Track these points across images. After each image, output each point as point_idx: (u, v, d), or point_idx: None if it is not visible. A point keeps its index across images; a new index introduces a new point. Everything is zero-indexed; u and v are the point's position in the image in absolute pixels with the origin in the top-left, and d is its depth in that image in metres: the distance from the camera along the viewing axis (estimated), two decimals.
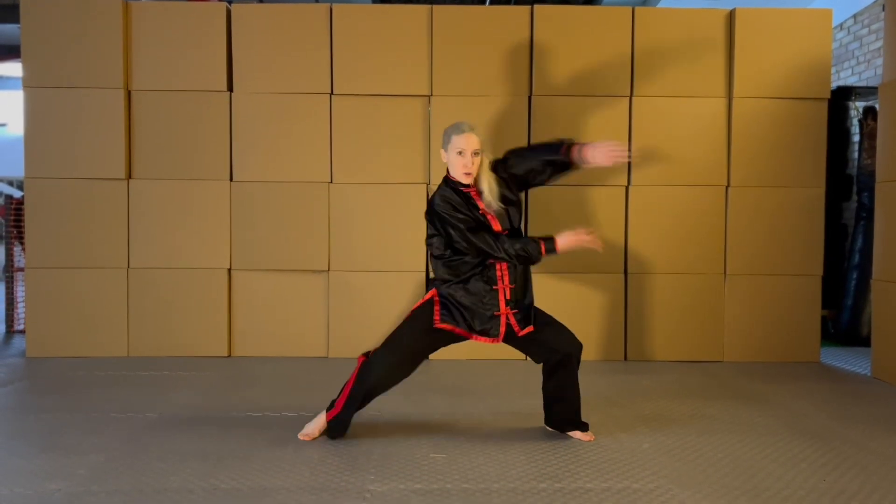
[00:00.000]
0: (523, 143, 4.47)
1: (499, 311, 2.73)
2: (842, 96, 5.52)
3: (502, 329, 2.75)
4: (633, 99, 4.51)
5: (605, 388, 3.76)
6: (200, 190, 4.48)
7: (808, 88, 4.52)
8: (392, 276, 4.48)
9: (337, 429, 2.80)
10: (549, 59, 4.48)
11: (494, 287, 2.73)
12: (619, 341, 4.54)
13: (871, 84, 5.96)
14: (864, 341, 5.04)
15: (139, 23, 4.46)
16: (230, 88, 4.51)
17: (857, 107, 5.55)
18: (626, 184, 4.52)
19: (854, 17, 6.41)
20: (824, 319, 5.29)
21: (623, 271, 4.54)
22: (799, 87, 4.52)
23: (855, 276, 5.25)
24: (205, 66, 4.47)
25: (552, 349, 2.80)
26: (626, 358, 4.54)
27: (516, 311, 2.76)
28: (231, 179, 4.50)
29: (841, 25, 6.61)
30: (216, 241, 4.49)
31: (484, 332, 2.76)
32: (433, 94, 4.47)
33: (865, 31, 6.24)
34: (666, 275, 4.51)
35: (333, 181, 4.49)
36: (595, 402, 3.43)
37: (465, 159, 2.71)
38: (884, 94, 4.14)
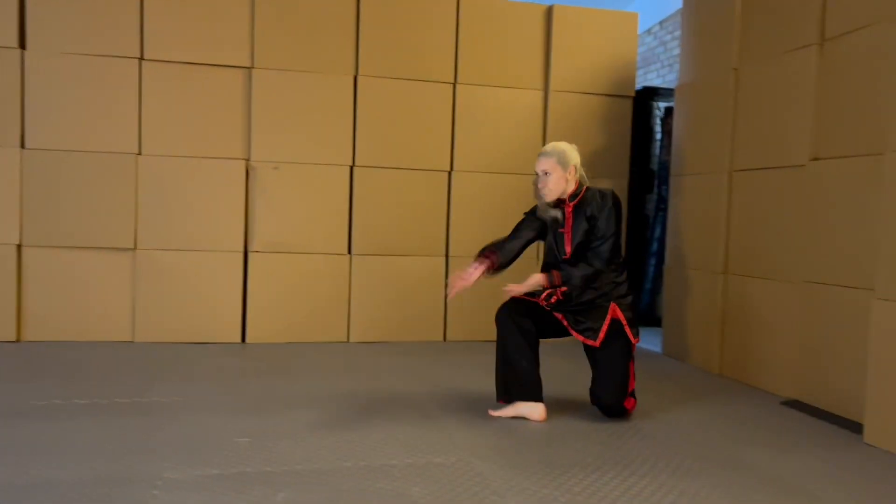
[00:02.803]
0: (348, 123, 4.44)
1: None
2: (647, 96, 5.97)
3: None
4: (458, 86, 4.60)
5: (423, 367, 3.83)
6: None
7: (616, 86, 4.86)
8: (206, 255, 4.27)
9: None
10: (375, 40, 4.45)
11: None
12: (440, 322, 4.64)
13: (673, 86, 6.51)
14: (660, 322, 5.51)
15: None
16: (22, 46, 4.07)
17: (659, 106, 6.02)
18: (448, 169, 4.62)
19: (660, 23, 6.96)
20: None
21: (445, 254, 4.64)
22: (607, 85, 4.83)
23: (653, 262, 5.73)
24: None
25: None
26: (445, 339, 4.65)
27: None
28: (22, 147, 4.07)
29: (649, 30, 7.14)
30: (3, 214, 4.05)
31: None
32: (254, 66, 4.30)
33: (669, 36, 6.79)
34: None
35: (142, 153, 4.20)
36: (411, 382, 3.49)
37: (539, 181, 2.96)
38: (679, 96, 4.53)
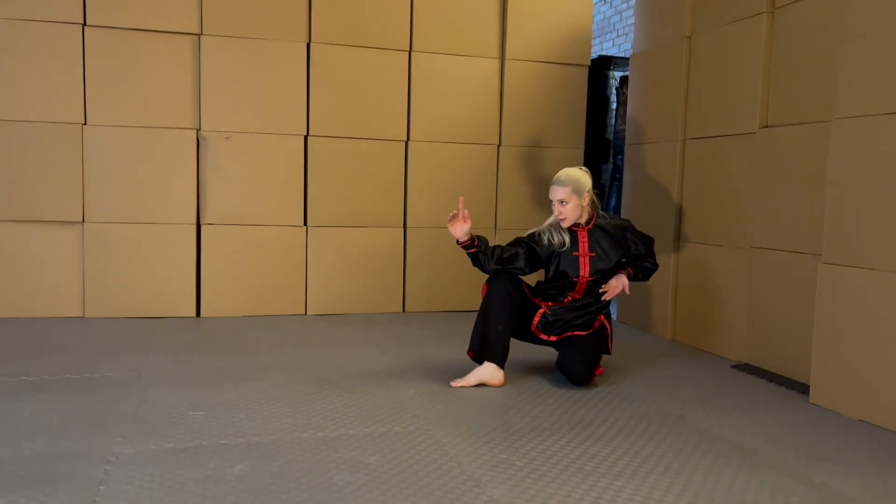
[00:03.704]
0: (302, 92, 4.35)
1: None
2: (602, 65, 5.98)
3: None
4: (413, 54, 4.55)
5: (381, 338, 3.83)
6: None
7: (572, 55, 4.85)
8: (158, 228, 4.17)
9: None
10: (328, 6, 4.36)
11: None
12: (399, 294, 4.63)
13: (628, 55, 6.53)
14: None
15: None
16: None
17: (615, 76, 6.04)
18: (405, 139, 4.57)
19: None
20: None
21: (402, 225, 4.61)
22: (563, 54, 4.83)
23: None
24: None
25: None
26: (404, 310, 4.65)
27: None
28: None
29: None
30: None
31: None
32: (203, 32, 4.18)
33: (625, 6, 6.80)
34: (443, 229, 4.66)
35: (88, 123, 4.06)
36: (370, 354, 3.48)
37: (556, 208, 3.02)
38: (633, 64, 4.55)
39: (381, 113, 4.51)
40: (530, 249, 3.07)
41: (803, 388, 3.00)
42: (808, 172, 3.09)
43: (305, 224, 4.41)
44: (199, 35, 4.18)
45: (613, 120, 6.07)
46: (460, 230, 2.92)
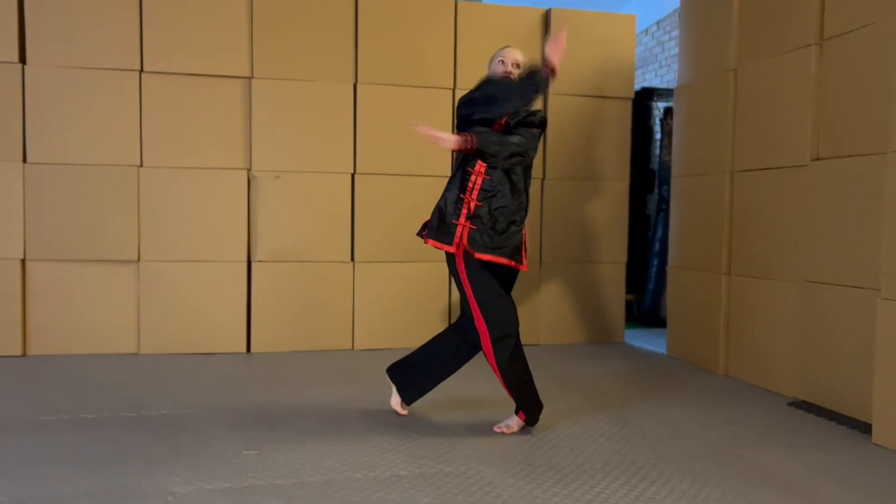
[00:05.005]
0: (349, 130, 4.44)
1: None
2: (645, 97, 5.97)
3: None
4: (457, 91, 4.60)
5: None
6: None
7: (615, 88, 4.86)
8: (210, 266, 4.27)
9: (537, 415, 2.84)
10: (373, 48, 4.46)
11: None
12: (443, 328, 4.63)
13: (671, 86, 6.51)
14: (664, 323, 5.51)
15: None
16: (23, 61, 4.08)
17: (658, 107, 6.03)
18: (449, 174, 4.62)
19: (658, 23, 6.96)
20: (629, 303, 5.74)
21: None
22: (606, 87, 4.84)
23: (656, 262, 5.73)
24: None
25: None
26: None
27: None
28: (24, 161, 4.08)
29: (647, 31, 7.15)
30: (7, 229, 4.05)
31: None
32: (253, 76, 4.30)
33: (667, 37, 6.80)
34: None
35: (144, 165, 4.20)
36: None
37: (506, 67, 2.80)
38: (678, 96, 4.53)
39: (427, 150, 4.56)
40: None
41: (865, 428, 2.90)
42: (862, 205, 3.03)
43: (352, 260, 4.47)
44: (249, 78, 4.31)
45: (658, 150, 6.03)
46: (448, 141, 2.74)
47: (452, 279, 2.96)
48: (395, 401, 3.03)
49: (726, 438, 2.80)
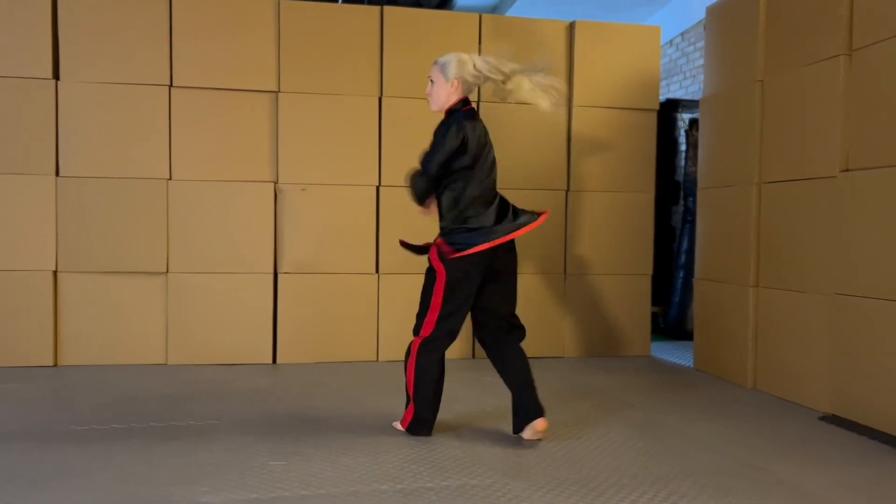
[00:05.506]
0: (374, 143, 4.48)
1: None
2: (670, 108, 5.95)
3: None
4: (482, 104, 4.63)
5: (452, 385, 3.83)
6: (22, 185, 4.11)
7: (640, 100, 4.85)
8: (237, 277, 4.32)
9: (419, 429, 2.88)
10: (399, 61, 4.50)
11: None
12: (469, 340, 4.64)
13: (696, 97, 6.48)
14: (690, 335, 5.46)
15: None
16: (56, 77, 4.17)
17: (683, 118, 6.00)
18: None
19: (682, 34, 6.94)
20: (655, 315, 5.69)
21: None
22: (631, 98, 4.83)
23: (681, 274, 5.68)
24: (27, 52, 4.10)
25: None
26: (474, 356, 4.65)
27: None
28: (57, 175, 4.17)
29: (671, 42, 7.13)
30: (40, 241, 4.14)
31: None
32: (280, 90, 4.36)
33: (692, 48, 6.77)
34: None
35: (173, 178, 4.27)
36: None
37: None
38: (704, 107, 4.50)
39: None
40: None
41: None
42: (893, 217, 2.98)
43: (377, 271, 4.49)
44: (276, 92, 4.36)
45: (683, 162, 6.00)
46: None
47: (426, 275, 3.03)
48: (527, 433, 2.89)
49: (755, 453, 2.76)
